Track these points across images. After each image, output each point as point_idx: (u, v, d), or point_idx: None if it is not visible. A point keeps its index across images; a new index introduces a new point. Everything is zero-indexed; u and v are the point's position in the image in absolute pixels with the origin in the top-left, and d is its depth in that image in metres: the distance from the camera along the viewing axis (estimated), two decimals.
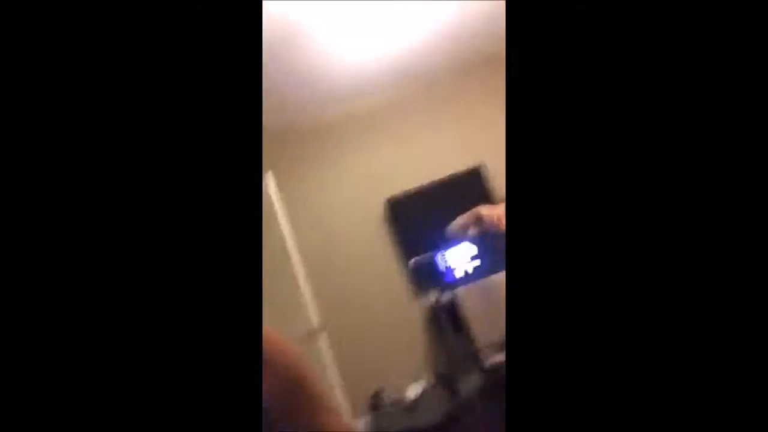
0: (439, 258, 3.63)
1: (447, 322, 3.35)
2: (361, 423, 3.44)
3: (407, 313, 3.71)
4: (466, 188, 3.82)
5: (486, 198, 3.77)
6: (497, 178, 3.84)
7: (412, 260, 3.67)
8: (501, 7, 3.19)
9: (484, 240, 2.82)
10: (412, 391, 3.13)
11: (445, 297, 3.43)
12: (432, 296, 3.57)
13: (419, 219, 3.75)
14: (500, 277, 2.82)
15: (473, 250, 3.50)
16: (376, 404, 3.29)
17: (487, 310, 2.72)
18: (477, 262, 3.13)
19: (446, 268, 3.59)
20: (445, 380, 3.32)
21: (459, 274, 3.50)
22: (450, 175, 3.82)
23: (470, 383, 3.25)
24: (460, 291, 2.94)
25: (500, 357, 2.64)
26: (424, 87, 3.98)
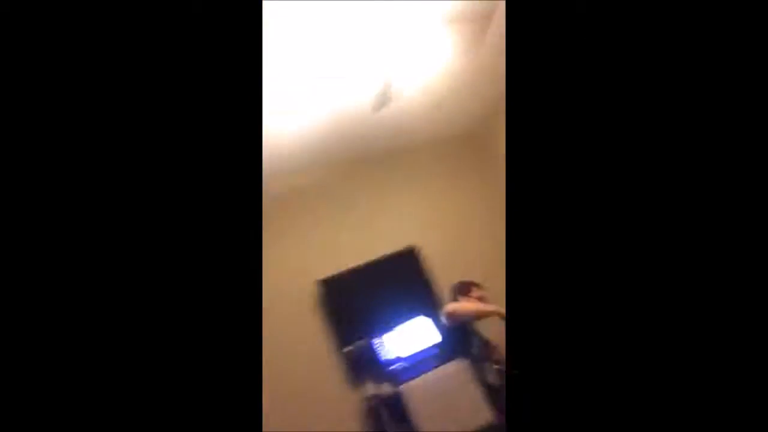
0: (376, 344, 3.37)
1: (388, 417, 3.05)
2: None
3: (342, 406, 3.34)
4: (400, 269, 3.67)
5: (420, 279, 3.64)
6: (431, 259, 3.74)
7: (348, 348, 3.38)
8: (448, 88, 3.26)
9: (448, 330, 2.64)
10: None
11: (386, 389, 3.15)
12: (370, 389, 3.27)
13: (354, 301, 3.51)
14: (448, 368, 2.59)
15: (412, 334, 3.29)
16: None
17: (435, 402, 2.47)
18: (417, 349, 2.91)
19: (387, 356, 3.33)
20: None
21: (400, 363, 3.26)
22: (384, 256, 3.67)
23: None
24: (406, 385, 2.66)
25: None
26: (360, 167, 3.91)
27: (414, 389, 2.42)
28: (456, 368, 2.40)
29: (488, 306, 2.28)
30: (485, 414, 2.29)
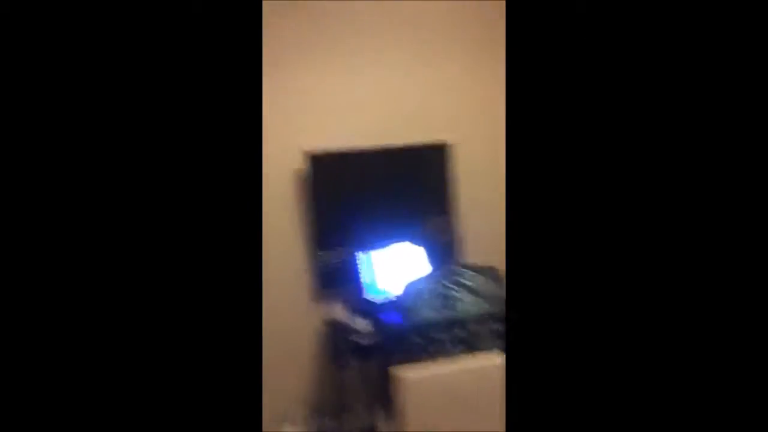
0: (359, 260, 2.55)
1: (349, 351, 2.33)
2: None
3: (302, 323, 2.61)
4: (420, 166, 2.70)
5: (442, 180, 2.68)
6: (459, 158, 2.75)
7: (323, 252, 2.54)
8: None
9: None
10: None
11: (357, 324, 2.38)
12: (339, 312, 2.50)
13: (347, 193, 2.60)
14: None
15: (405, 262, 2.44)
16: None
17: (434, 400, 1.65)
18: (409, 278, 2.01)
19: (369, 281, 2.52)
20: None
21: (383, 294, 2.46)
22: (406, 146, 2.67)
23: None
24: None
25: None
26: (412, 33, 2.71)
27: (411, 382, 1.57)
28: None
29: None
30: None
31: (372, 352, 2.30)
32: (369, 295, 2.43)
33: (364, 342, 2.28)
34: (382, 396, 1.98)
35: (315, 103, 2.63)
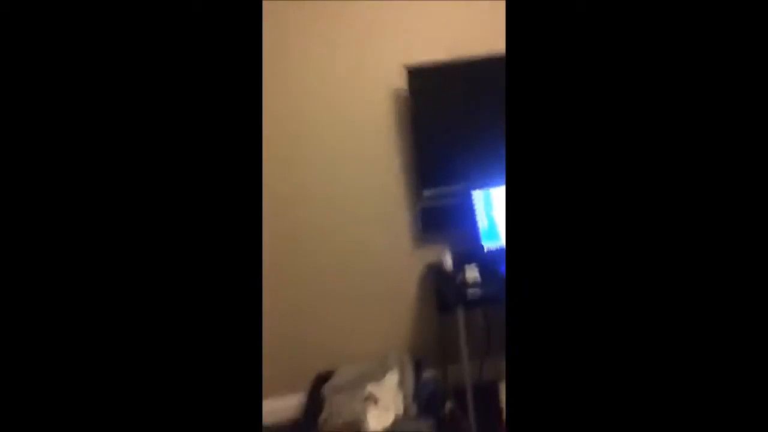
0: (475, 199, 2.17)
1: (456, 301, 2.04)
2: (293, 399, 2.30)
3: (404, 267, 2.33)
4: None
5: None
6: None
7: (427, 192, 2.18)
8: None
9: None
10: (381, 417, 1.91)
11: (471, 273, 2.06)
12: (445, 259, 2.18)
13: (453, 117, 2.17)
14: None
15: None
16: (317, 394, 2.09)
17: None
18: None
19: (488, 226, 2.14)
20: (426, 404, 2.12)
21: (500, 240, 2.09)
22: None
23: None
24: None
25: None
26: None
27: None
28: None
29: None
30: None
31: (480, 303, 2.00)
32: (486, 241, 2.08)
33: (473, 294, 1.97)
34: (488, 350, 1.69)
35: (411, 17, 2.16)
